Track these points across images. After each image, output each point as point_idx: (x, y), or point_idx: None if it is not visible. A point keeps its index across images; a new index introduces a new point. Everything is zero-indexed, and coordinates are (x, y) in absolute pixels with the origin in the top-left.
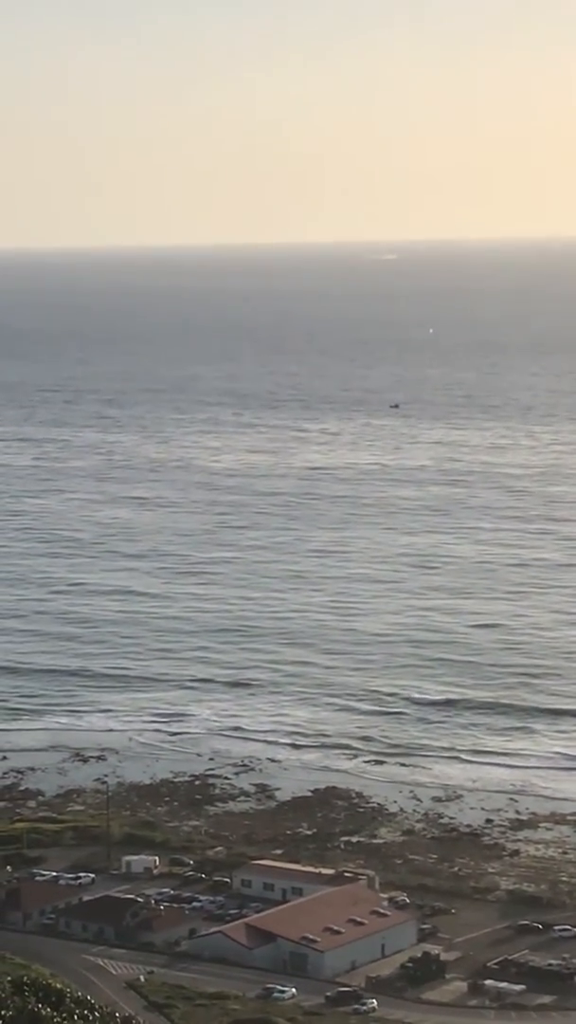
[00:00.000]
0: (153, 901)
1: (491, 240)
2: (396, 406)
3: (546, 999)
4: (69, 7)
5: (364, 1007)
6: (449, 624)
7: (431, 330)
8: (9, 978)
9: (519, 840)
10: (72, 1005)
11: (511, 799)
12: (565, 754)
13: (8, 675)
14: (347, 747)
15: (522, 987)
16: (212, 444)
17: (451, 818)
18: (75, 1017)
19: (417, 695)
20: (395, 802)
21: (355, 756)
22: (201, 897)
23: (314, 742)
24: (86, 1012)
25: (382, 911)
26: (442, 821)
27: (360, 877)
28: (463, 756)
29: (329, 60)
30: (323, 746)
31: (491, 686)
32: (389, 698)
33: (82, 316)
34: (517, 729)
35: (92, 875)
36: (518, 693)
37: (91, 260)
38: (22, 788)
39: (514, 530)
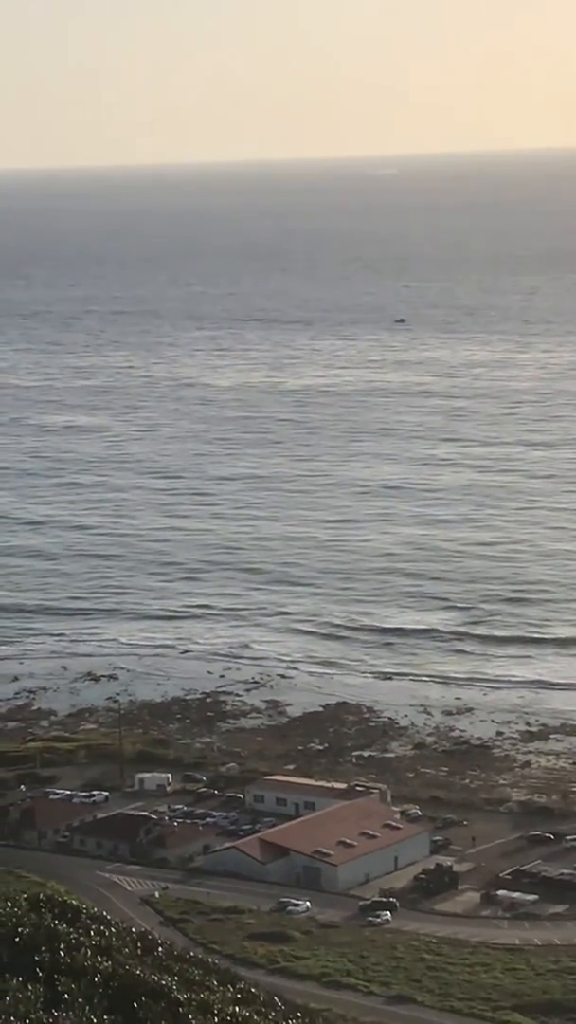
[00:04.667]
0: (167, 818)
1: (492, 152)
2: (401, 320)
3: (559, 908)
4: None
5: (378, 919)
6: (442, 552)
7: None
8: (25, 895)
9: (530, 752)
10: (88, 921)
11: (522, 712)
12: (567, 679)
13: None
14: (354, 667)
15: (535, 897)
16: (213, 364)
17: (462, 731)
18: (91, 933)
19: (413, 624)
20: (406, 716)
21: (365, 673)
22: (214, 813)
23: (322, 661)
24: (102, 928)
25: (395, 824)
26: (453, 734)
27: (372, 791)
28: (471, 675)
29: None
30: (332, 664)
31: (487, 613)
32: (385, 626)
33: (83, 237)
34: (518, 656)
35: (106, 793)
36: (515, 620)
37: (92, 179)
38: (34, 708)
39: (511, 452)
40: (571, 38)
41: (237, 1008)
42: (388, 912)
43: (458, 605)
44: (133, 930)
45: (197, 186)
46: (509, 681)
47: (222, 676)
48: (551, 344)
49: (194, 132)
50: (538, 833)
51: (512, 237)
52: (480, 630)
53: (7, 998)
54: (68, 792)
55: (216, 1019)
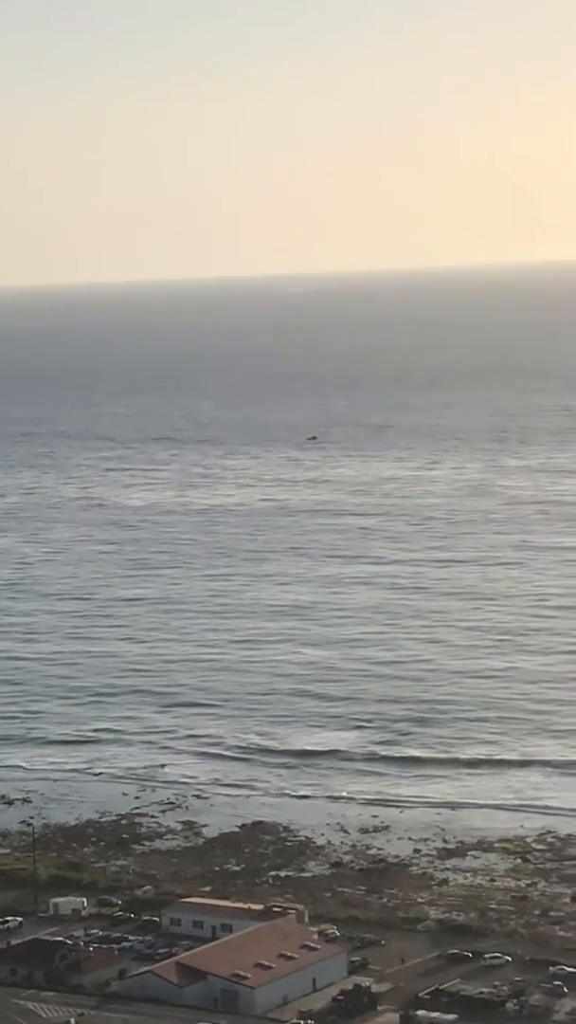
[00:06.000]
0: (82, 943)
1: (405, 271)
2: (313, 438)
3: None
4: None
5: None
6: (352, 672)
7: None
8: None
9: (447, 869)
10: None
11: (438, 829)
12: (481, 797)
13: None
14: (268, 789)
15: (454, 1016)
16: (123, 483)
17: (379, 849)
18: None
19: (325, 745)
20: (322, 835)
21: (281, 793)
22: (131, 937)
23: (234, 783)
24: None
25: (312, 945)
26: (370, 852)
27: (289, 911)
28: (386, 794)
29: (242, 98)
30: (245, 786)
31: (398, 733)
32: (297, 747)
33: None
34: (432, 775)
35: (19, 918)
36: (428, 739)
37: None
38: None
39: (420, 571)
40: (489, 157)
41: None
42: None
43: (369, 725)
44: None
45: (101, 305)
46: (425, 800)
47: (136, 798)
48: (459, 460)
49: (96, 253)
50: (456, 951)
51: (422, 353)
52: (392, 750)
53: None
54: None
55: None
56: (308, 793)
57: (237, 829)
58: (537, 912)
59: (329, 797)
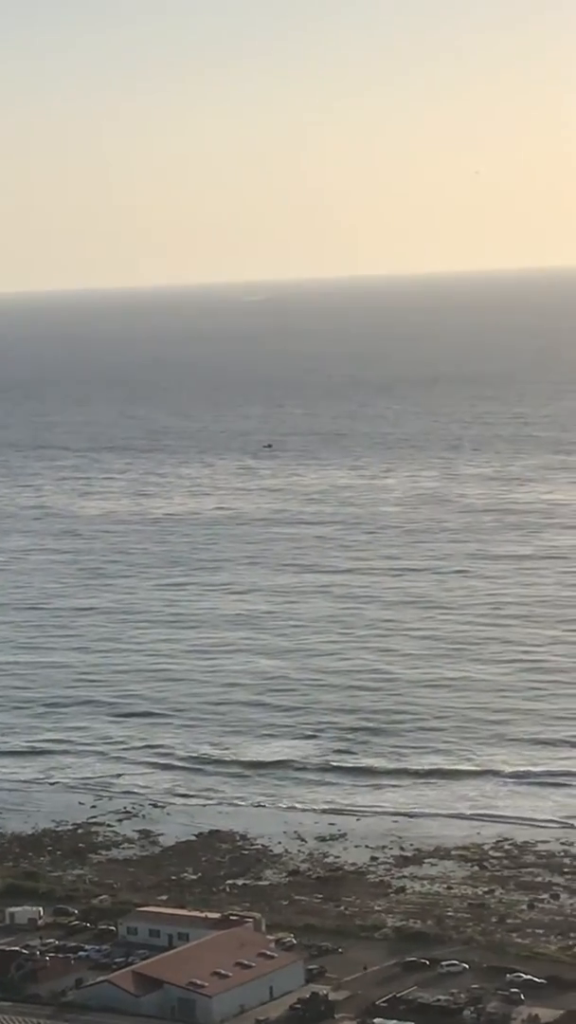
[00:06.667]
0: (38, 952)
1: (359, 277)
2: (269, 446)
3: None
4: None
5: None
6: (306, 683)
7: None
8: None
9: (404, 877)
10: None
11: (395, 837)
12: (437, 806)
13: None
14: (224, 798)
15: None
16: (78, 492)
17: (336, 857)
18: None
19: (280, 755)
20: (279, 843)
21: (236, 802)
22: (87, 946)
23: (189, 793)
24: None
25: (269, 953)
26: (327, 860)
27: (246, 920)
28: (342, 802)
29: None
30: (201, 795)
31: (352, 743)
32: (252, 758)
33: None
34: (388, 785)
35: None
36: (382, 749)
37: None
38: None
39: (373, 580)
40: (437, 166)
41: None
42: None
43: (323, 735)
44: None
45: (53, 313)
46: (382, 808)
47: (93, 807)
48: (414, 469)
49: (50, 261)
50: (413, 959)
51: (376, 361)
52: (347, 760)
53: None
54: None
55: None
56: (264, 802)
57: (193, 838)
58: (494, 919)
59: (285, 806)
